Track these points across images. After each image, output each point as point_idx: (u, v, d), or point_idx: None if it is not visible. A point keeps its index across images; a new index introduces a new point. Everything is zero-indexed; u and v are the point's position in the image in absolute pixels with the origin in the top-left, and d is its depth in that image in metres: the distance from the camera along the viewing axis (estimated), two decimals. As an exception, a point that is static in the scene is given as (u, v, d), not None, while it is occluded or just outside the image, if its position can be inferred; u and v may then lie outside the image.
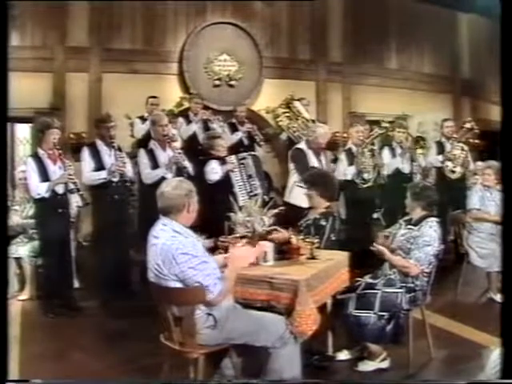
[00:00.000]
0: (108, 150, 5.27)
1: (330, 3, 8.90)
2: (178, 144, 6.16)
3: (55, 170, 4.91)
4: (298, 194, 5.86)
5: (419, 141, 7.16)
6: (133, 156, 5.81)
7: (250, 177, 5.88)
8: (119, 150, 5.32)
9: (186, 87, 7.86)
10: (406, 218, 3.98)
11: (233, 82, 8.12)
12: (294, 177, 6.13)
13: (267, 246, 3.43)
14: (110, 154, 5.26)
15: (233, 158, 5.85)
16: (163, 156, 5.53)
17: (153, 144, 5.64)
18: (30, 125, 7.26)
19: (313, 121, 7.54)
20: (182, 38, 7.92)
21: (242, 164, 5.87)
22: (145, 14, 7.72)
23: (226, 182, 5.69)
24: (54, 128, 4.92)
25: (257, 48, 8.22)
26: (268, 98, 8.24)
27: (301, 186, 5.96)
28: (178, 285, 2.85)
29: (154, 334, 3.10)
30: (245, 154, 6.06)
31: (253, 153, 6.41)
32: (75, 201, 5.30)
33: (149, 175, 5.44)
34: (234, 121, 7.21)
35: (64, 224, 5.03)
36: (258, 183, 5.90)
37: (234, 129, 7.09)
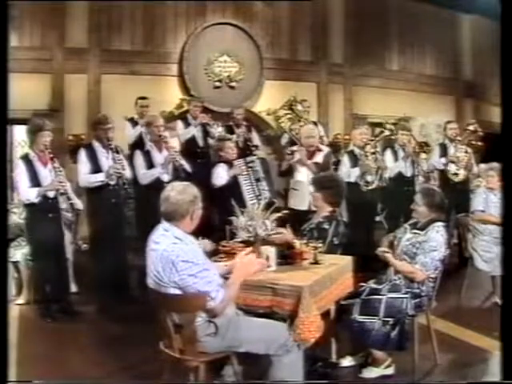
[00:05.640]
0: (105, 152, 5.21)
1: (331, 4, 8.88)
2: (176, 145, 6.12)
3: (46, 173, 4.80)
4: (300, 197, 5.83)
5: (422, 147, 7.10)
6: (128, 158, 5.74)
7: (258, 180, 5.81)
8: (117, 152, 5.25)
9: (186, 89, 7.81)
10: (411, 222, 3.92)
11: (233, 84, 8.08)
12: (293, 179, 6.10)
13: (269, 251, 3.37)
14: (107, 157, 5.20)
15: (241, 162, 5.79)
16: (159, 157, 5.51)
17: (149, 146, 5.61)
18: (27, 126, 7.20)
19: (314, 122, 7.49)
20: (182, 39, 7.88)
21: (250, 167, 5.81)
22: (144, 15, 7.69)
23: (229, 186, 5.64)
24: (46, 130, 4.80)
25: (257, 49, 8.19)
26: (269, 99, 8.20)
27: (296, 189, 5.98)
28: (178, 292, 2.78)
29: (153, 340, 3.04)
30: (253, 158, 6.00)
31: (261, 156, 6.35)
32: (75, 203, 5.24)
33: (144, 175, 5.42)
34: (231, 123, 7.15)
35: (56, 228, 4.92)
36: (266, 187, 5.84)
37: (231, 132, 7.03)
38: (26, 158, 4.81)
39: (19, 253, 5.40)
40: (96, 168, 5.16)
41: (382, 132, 6.97)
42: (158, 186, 5.14)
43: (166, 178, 5.39)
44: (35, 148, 4.82)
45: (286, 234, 3.72)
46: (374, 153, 6.32)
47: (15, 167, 4.81)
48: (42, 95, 7.08)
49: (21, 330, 4.53)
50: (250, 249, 3.25)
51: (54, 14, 7.20)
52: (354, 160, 6.36)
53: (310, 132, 6.20)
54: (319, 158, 6.04)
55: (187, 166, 5.51)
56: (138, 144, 6.15)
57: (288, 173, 6.27)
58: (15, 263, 5.42)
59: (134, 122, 6.67)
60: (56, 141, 6.69)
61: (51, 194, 4.83)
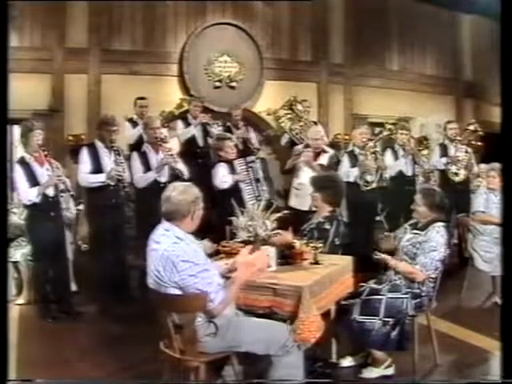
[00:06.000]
0: (108, 152, 5.23)
1: (331, 4, 8.85)
2: (176, 146, 6.10)
3: (43, 172, 4.80)
4: (302, 197, 5.83)
5: (422, 143, 7.09)
6: (127, 159, 5.73)
7: (258, 181, 5.81)
8: (118, 154, 5.24)
9: (186, 89, 7.80)
10: (411, 222, 3.92)
11: (233, 84, 8.06)
12: (296, 179, 6.10)
13: (270, 251, 3.36)
14: (109, 157, 5.21)
15: (241, 162, 5.77)
16: (156, 159, 5.47)
17: (146, 147, 5.59)
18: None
19: (315, 122, 7.49)
20: (182, 39, 7.86)
21: (251, 168, 5.80)
22: (145, 15, 7.66)
23: (229, 186, 5.63)
24: (36, 130, 4.79)
25: (258, 49, 8.16)
26: (269, 99, 8.19)
27: (298, 189, 5.99)
28: (178, 292, 2.78)
29: (153, 340, 3.04)
30: (253, 158, 5.98)
31: (261, 156, 6.35)
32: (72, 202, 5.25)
33: (140, 178, 5.39)
34: (228, 124, 7.13)
35: (57, 227, 4.93)
36: (265, 188, 5.83)
37: (229, 132, 7.01)
38: (22, 161, 4.80)
39: (19, 253, 5.41)
40: (97, 168, 5.16)
41: (381, 132, 6.97)
42: (156, 187, 5.15)
43: (163, 179, 5.37)
44: (30, 150, 4.81)
45: (286, 235, 3.71)
46: (373, 152, 6.32)
47: (14, 169, 4.80)
48: (41, 95, 7.06)
49: (21, 330, 4.53)
50: (251, 247, 3.25)
51: (54, 14, 7.17)
52: (354, 160, 6.36)
53: (316, 134, 6.25)
54: (324, 159, 6.07)
55: (184, 170, 5.47)
56: (138, 144, 6.14)
57: (291, 172, 6.27)
58: (15, 263, 5.43)
59: (133, 123, 6.66)
60: (56, 141, 6.74)
61: (51, 193, 4.83)
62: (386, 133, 6.96)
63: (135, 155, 5.50)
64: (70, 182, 4.98)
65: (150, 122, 5.61)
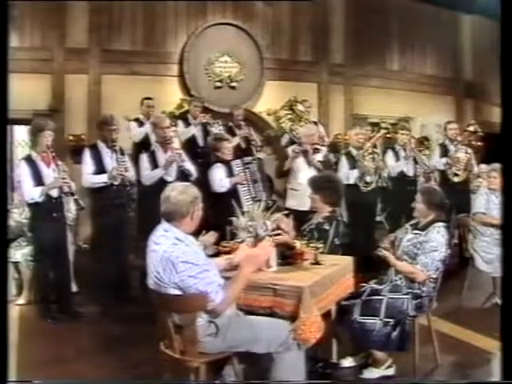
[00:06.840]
0: (110, 152, 5.22)
1: (331, 4, 8.86)
2: (177, 146, 6.10)
3: (49, 172, 4.80)
4: (298, 198, 5.83)
5: (423, 143, 7.09)
6: (133, 158, 5.73)
7: (255, 182, 5.79)
8: (121, 153, 5.25)
9: (186, 89, 7.81)
10: (412, 222, 3.92)
11: (234, 84, 8.07)
12: (293, 180, 6.11)
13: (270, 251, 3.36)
14: (111, 157, 5.20)
15: (238, 163, 5.75)
16: (164, 158, 5.46)
17: (155, 146, 5.59)
18: (29, 127, 7.20)
19: (315, 123, 7.49)
20: (183, 40, 7.87)
21: (248, 169, 5.78)
22: (145, 15, 7.68)
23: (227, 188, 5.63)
24: (47, 130, 4.81)
25: (258, 49, 8.18)
26: (269, 99, 8.19)
27: (296, 190, 5.99)
28: (179, 293, 2.77)
29: (153, 340, 3.03)
30: (250, 159, 5.95)
31: (258, 156, 6.33)
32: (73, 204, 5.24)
33: (148, 176, 5.39)
34: (230, 124, 7.12)
35: (59, 228, 4.93)
36: (262, 188, 5.82)
37: (231, 132, 7.01)
38: (28, 159, 4.80)
39: (20, 253, 5.40)
40: (100, 168, 5.16)
41: (378, 131, 6.98)
42: (162, 186, 5.12)
43: (170, 178, 5.36)
44: (38, 149, 4.82)
45: (286, 235, 3.71)
46: (371, 153, 6.31)
47: (16, 167, 4.80)
48: (42, 95, 7.07)
49: (21, 331, 4.53)
50: (250, 243, 3.24)
51: (54, 13, 7.19)
52: (352, 161, 6.35)
53: (309, 131, 6.26)
54: (319, 157, 6.08)
55: (192, 170, 5.47)
56: (144, 144, 6.14)
57: (286, 175, 6.27)
58: (16, 263, 5.42)
59: (139, 122, 6.68)
60: (56, 141, 6.72)
61: (55, 194, 4.83)
62: (381, 133, 6.97)
63: (144, 154, 5.50)
64: (74, 186, 4.97)
65: (160, 122, 5.61)
